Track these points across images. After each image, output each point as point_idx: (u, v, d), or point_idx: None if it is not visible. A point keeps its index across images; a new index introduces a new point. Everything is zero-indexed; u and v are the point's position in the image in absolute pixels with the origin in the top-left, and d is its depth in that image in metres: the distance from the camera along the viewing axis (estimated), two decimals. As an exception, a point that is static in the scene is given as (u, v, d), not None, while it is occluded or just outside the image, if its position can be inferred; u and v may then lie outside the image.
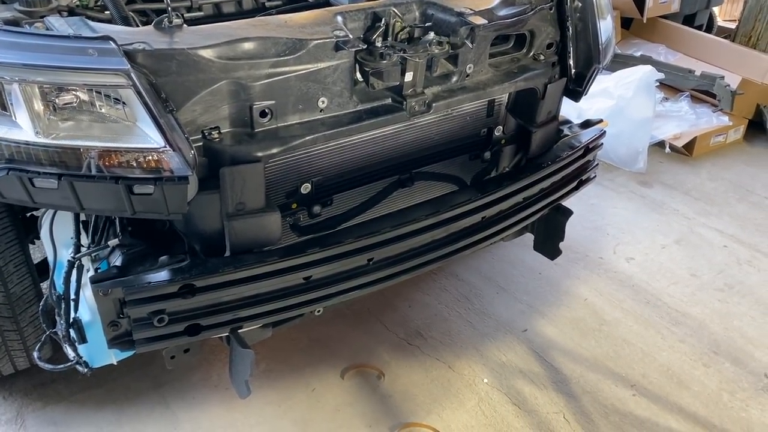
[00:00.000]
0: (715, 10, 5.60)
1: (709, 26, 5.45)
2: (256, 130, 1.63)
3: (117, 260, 1.65)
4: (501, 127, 2.12)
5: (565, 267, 3.03)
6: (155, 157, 1.45)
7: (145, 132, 1.45)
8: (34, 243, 2.27)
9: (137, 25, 1.88)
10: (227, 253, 1.67)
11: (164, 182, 1.45)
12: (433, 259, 1.94)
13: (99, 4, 2.02)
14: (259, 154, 1.60)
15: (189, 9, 2.15)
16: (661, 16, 4.77)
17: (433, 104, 1.82)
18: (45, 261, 2.28)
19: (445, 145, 2.06)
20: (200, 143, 1.58)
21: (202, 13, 2.14)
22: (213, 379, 2.42)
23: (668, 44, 4.65)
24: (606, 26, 2.17)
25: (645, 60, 4.22)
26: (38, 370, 2.38)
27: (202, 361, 2.48)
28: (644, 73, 3.69)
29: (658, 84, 3.82)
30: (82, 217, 1.80)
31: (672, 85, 4.26)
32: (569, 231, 2.40)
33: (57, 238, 1.81)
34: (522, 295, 2.86)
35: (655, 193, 3.67)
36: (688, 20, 5.12)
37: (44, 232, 1.82)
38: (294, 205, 1.79)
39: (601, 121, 2.39)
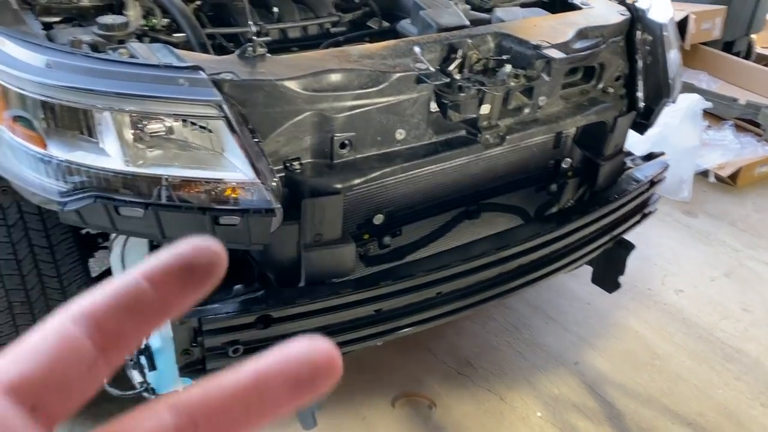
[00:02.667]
0: (753, 37, 5.56)
1: (748, 53, 5.40)
2: (335, 162, 1.62)
3: (191, 288, 1.64)
4: (569, 160, 2.10)
5: (613, 297, 2.98)
6: (242, 188, 1.44)
7: (233, 162, 1.44)
8: (93, 256, 2.27)
9: (212, 52, 1.88)
10: (302, 283, 1.65)
11: (251, 214, 1.44)
12: (499, 293, 1.92)
13: (164, 25, 2.02)
14: (339, 186, 1.59)
15: (258, 34, 2.15)
16: (702, 43, 4.74)
17: (507, 137, 1.81)
18: (100, 277, 2.28)
19: (511, 176, 2.04)
20: (282, 174, 1.57)
21: (270, 38, 2.14)
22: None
23: (709, 71, 4.62)
24: (674, 59, 2.15)
25: (687, 87, 4.18)
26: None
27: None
28: (691, 101, 3.66)
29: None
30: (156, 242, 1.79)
31: (715, 113, 4.22)
32: (616, 260, 2.37)
33: (127, 262, 1.80)
34: (571, 326, 2.82)
35: (700, 223, 3.63)
36: (727, 47, 5.08)
37: (115, 256, 1.81)
38: (366, 236, 1.78)
39: (663, 153, 2.36)
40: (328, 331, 1.68)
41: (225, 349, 1.58)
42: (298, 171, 1.57)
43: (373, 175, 1.63)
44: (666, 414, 2.42)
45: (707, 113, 4.22)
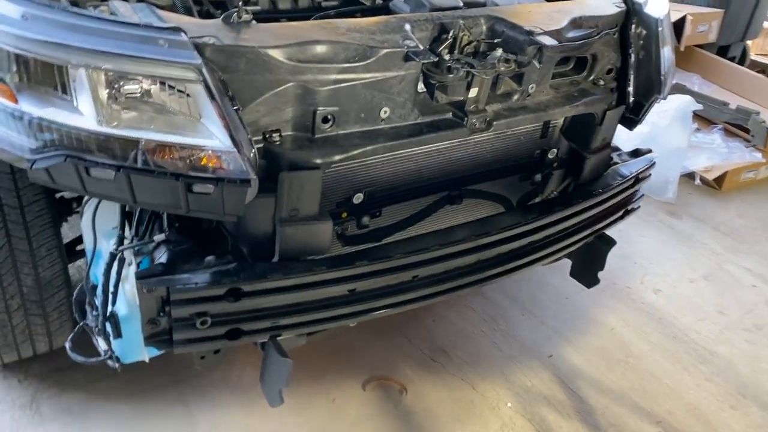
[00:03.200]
0: (749, 43, 5.56)
1: (742, 59, 5.40)
2: (316, 136, 1.58)
3: (162, 257, 1.60)
4: (555, 150, 2.08)
5: (592, 294, 2.97)
6: (218, 157, 1.40)
7: (210, 130, 1.40)
8: (67, 221, 2.23)
9: (197, 16, 1.83)
10: (275, 259, 1.62)
11: (225, 183, 1.41)
12: (476, 281, 1.89)
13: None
14: (319, 161, 1.56)
15: (246, 2, 2.10)
16: (697, 46, 4.73)
17: (494, 122, 1.78)
18: (73, 242, 2.24)
19: (496, 164, 2.01)
20: (260, 145, 1.53)
21: (259, 8, 2.09)
22: (232, 380, 2.37)
23: (703, 74, 4.61)
24: (667, 56, 2.13)
25: (679, 88, 4.18)
26: (54, 355, 2.33)
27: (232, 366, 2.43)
28: (682, 102, 3.65)
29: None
30: (128, 207, 1.75)
31: (705, 116, 4.22)
32: (598, 258, 2.36)
33: (98, 227, 1.76)
34: (549, 320, 2.81)
35: (683, 224, 3.63)
36: (722, 51, 5.08)
37: (86, 220, 1.77)
38: (344, 215, 1.74)
39: (650, 151, 2.34)
40: (300, 308, 1.65)
41: (193, 321, 1.55)
42: (278, 143, 1.54)
43: (355, 152, 1.60)
44: (636, 411, 2.42)
45: (697, 116, 4.22)
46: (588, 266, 2.33)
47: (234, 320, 1.60)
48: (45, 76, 1.38)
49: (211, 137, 1.40)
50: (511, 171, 2.05)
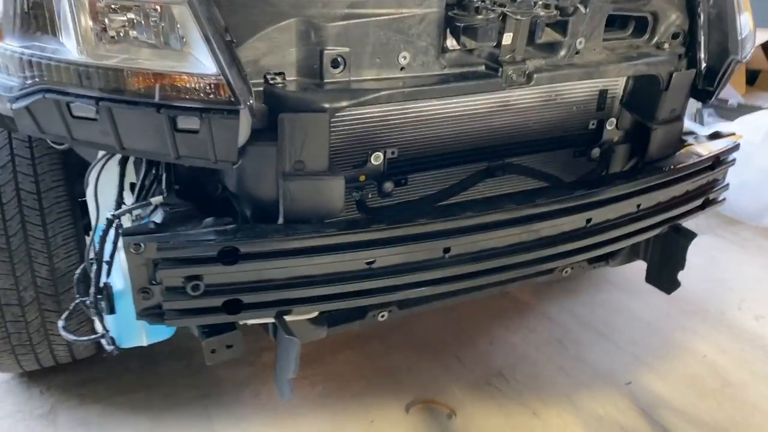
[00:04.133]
0: None
1: None
2: (325, 81, 1.41)
3: (158, 218, 1.45)
4: (614, 120, 1.81)
5: (678, 319, 2.59)
6: (203, 85, 1.25)
7: (199, 59, 1.26)
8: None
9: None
10: (280, 221, 1.43)
11: (211, 115, 1.25)
12: (522, 263, 1.61)
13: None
14: (326, 104, 1.38)
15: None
16: (793, 70, 4.34)
17: (535, 75, 1.56)
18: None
19: (545, 134, 1.77)
20: (261, 88, 1.38)
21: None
22: (262, 396, 2.15)
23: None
24: (744, 19, 1.85)
25: (773, 110, 3.78)
26: (79, 367, 2.21)
27: (252, 377, 2.22)
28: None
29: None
30: (131, 178, 1.63)
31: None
32: (684, 282, 1.99)
33: (101, 198, 1.64)
34: (626, 345, 2.44)
35: (787, 248, 3.17)
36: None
37: (89, 191, 1.66)
38: (362, 178, 1.54)
39: (733, 134, 2.03)
40: (308, 281, 1.44)
41: (184, 287, 1.36)
42: (281, 86, 1.38)
43: (369, 97, 1.41)
44: (738, 448, 1.99)
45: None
46: (665, 267, 1.98)
47: (232, 290, 1.40)
48: (31, 11, 1.30)
49: (197, 65, 1.26)
50: (562, 144, 1.79)
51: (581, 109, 1.79)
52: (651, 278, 2.07)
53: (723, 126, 3.44)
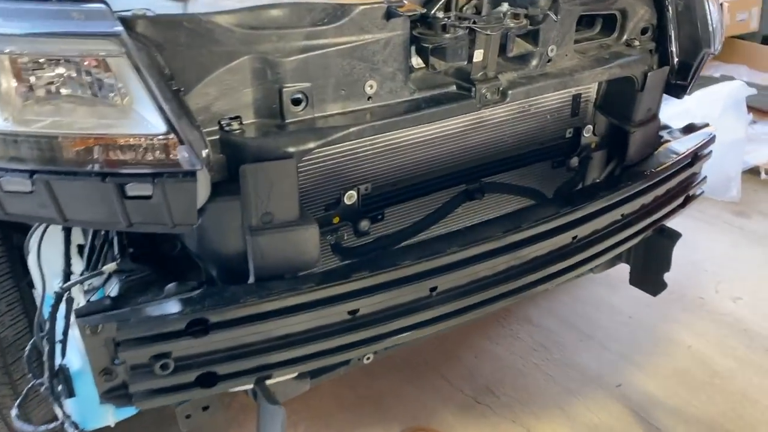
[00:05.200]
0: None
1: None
2: (287, 121, 1.28)
3: (113, 290, 1.30)
4: (591, 127, 1.73)
5: (659, 308, 2.55)
6: (154, 147, 1.11)
7: (143, 116, 1.11)
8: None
9: None
10: (251, 280, 1.30)
11: (165, 179, 1.10)
12: (512, 291, 1.52)
13: None
14: (291, 148, 1.25)
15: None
16: (737, 36, 4.35)
17: (509, 92, 1.45)
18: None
19: (521, 149, 1.67)
20: (217, 136, 1.24)
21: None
22: (245, 443, 2.02)
23: (749, 65, 4.21)
24: (713, 8, 1.78)
25: (727, 80, 3.78)
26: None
27: (231, 422, 2.09)
28: (732, 88, 3.26)
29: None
30: (79, 240, 1.47)
31: (760, 106, 3.80)
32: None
33: (47, 266, 1.47)
34: (611, 343, 2.39)
35: (754, 224, 3.17)
36: (766, 41, 4.67)
37: (31, 259, 1.49)
38: (336, 219, 1.42)
39: (707, 125, 1.97)
40: (288, 341, 1.31)
41: (151, 366, 1.22)
42: (238, 132, 1.24)
43: (337, 135, 1.28)
44: (735, 444, 1.96)
45: (752, 108, 3.80)
46: (651, 269, 1.92)
47: (206, 362, 1.26)
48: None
49: (142, 123, 1.11)
50: (540, 156, 1.70)
51: (555, 117, 1.70)
52: (635, 281, 2.01)
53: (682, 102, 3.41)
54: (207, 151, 1.14)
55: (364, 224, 1.44)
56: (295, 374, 1.40)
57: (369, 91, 1.34)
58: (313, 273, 1.32)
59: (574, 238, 1.58)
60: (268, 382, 1.36)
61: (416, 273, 1.36)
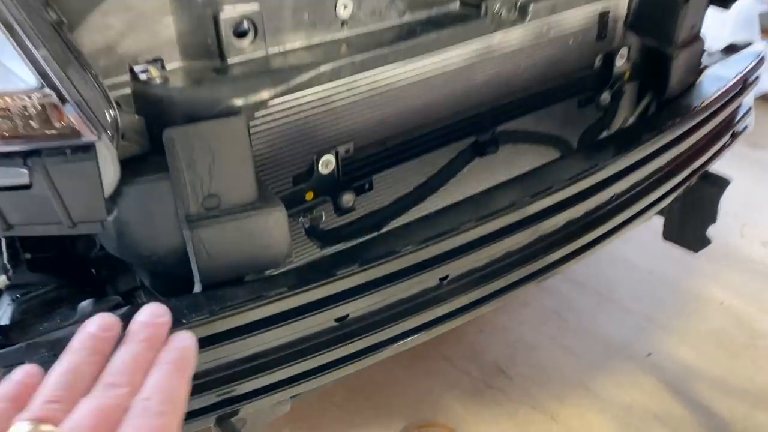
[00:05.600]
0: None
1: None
2: (230, 62, 0.90)
3: (3, 315, 0.93)
4: (625, 51, 1.36)
5: (681, 261, 2.24)
6: (25, 111, 0.72)
7: (6, 66, 0.72)
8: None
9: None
10: (197, 288, 0.93)
11: (44, 159, 0.73)
12: (541, 270, 1.19)
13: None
14: (238, 101, 0.87)
15: None
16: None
17: (530, 7, 1.08)
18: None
19: (541, 85, 1.30)
20: (128, 89, 0.86)
21: None
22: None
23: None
24: None
25: None
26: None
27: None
28: (743, 4, 2.90)
29: (756, 22, 3.03)
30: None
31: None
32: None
33: None
34: (632, 304, 2.09)
35: (765, 153, 2.88)
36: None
37: None
38: (309, 195, 1.05)
39: (750, 43, 1.62)
40: (258, 364, 0.97)
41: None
42: (159, 81, 0.85)
43: (300, 79, 0.91)
44: (791, 417, 1.69)
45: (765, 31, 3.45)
46: (691, 222, 1.61)
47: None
48: None
49: (11, 80, 0.72)
50: (564, 93, 1.34)
51: (580, 41, 1.33)
52: (671, 235, 1.69)
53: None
54: (112, 112, 0.76)
55: (348, 198, 1.07)
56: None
57: (343, 13, 0.96)
58: (283, 272, 0.97)
59: (613, 196, 1.23)
60: (236, 417, 1.02)
61: (423, 260, 1.01)
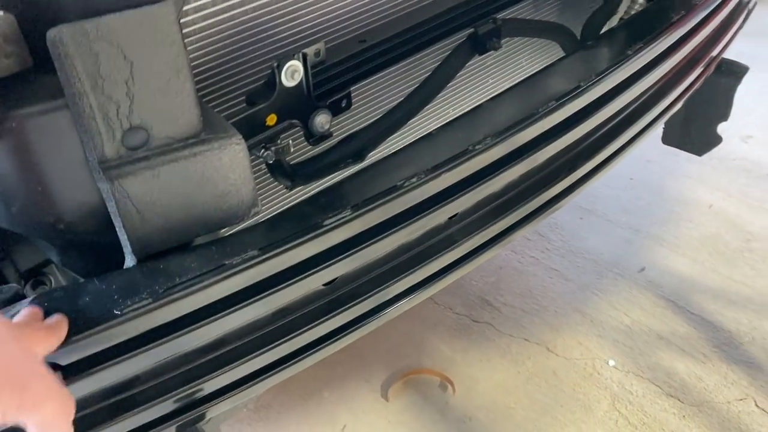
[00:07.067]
0: None
1: None
2: None
3: None
4: None
5: (661, 163, 2.09)
6: None
7: None
8: None
9: None
10: (128, 262, 0.66)
11: None
12: (562, 193, 0.96)
13: None
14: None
15: None
16: None
17: None
18: None
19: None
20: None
21: None
22: None
23: None
24: None
25: None
26: None
27: None
28: None
29: None
30: None
31: None
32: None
33: None
34: (618, 215, 1.92)
35: (740, 45, 2.71)
36: None
37: None
38: (271, 119, 0.76)
39: None
40: (226, 354, 0.71)
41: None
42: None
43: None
44: (799, 322, 1.57)
45: None
46: (698, 119, 1.40)
47: (89, 423, 0.66)
48: None
49: None
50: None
51: None
52: (672, 138, 1.50)
53: None
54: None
55: (322, 120, 0.79)
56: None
57: None
58: (248, 228, 0.70)
59: (634, 100, 1.01)
60: (204, 421, 0.77)
61: (429, 197, 0.76)
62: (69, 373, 0.61)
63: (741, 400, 1.42)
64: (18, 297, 0.66)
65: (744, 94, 2.30)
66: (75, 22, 0.53)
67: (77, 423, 0.64)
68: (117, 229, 0.64)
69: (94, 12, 0.55)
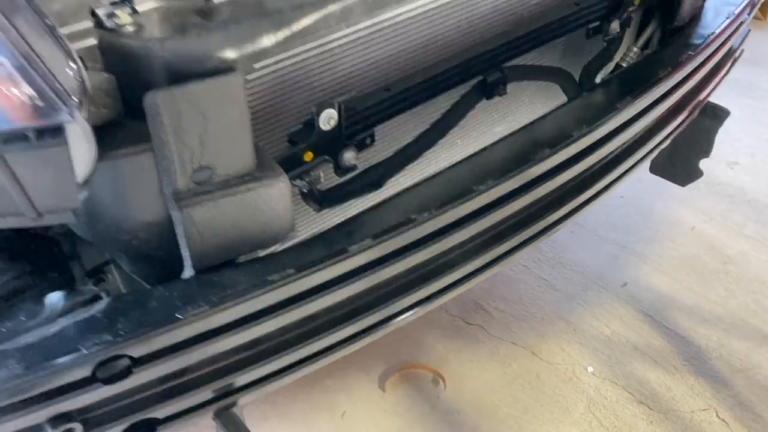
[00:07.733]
0: None
1: None
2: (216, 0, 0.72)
3: (-48, 314, 0.77)
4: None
5: (651, 184, 2.21)
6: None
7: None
8: None
9: None
10: (187, 273, 0.79)
11: (2, 147, 0.56)
12: (561, 218, 1.11)
13: None
14: (232, 53, 0.71)
15: None
16: None
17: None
18: None
19: (551, 15, 1.16)
20: (93, 40, 0.68)
21: None
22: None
23: None
24: None
25: None
26: None
27: None
28: None
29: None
30: None
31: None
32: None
33: None
34: (607, 232, 2.06)
35: (738, 74, 2.84)
36: None
37: None
38: (309, 156, 0.90)
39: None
40: (261, 351, 0.85)
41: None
42: (131, 28, 0.68)
43: (306, 22, 0.75)
44: (764, 343, 1.72)
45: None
46: (682, 154, 1.54)
47: (135, 408, 0.79)
48: None
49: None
50: (574, 23, 1.19)
51: (591, -38, 1.18)
52: (658, 168, 1.63)
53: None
54: (78, 73, 0.59)
55: (350, 156, 0.93)
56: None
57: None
58: (286, 250, 0.84)
59: (635, 137, 1.14)
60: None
61: (443, 227, 0.90)
62: (137, 365, 0.74)
63: (704, 410, 1.57)
64: (96, 298, 0.79)
65: (733, 122, 2.44)
66: (167, 89, 0.66)
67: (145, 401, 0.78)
68: (180, 247, 0.77)
69: (178, 78, 0.68)
